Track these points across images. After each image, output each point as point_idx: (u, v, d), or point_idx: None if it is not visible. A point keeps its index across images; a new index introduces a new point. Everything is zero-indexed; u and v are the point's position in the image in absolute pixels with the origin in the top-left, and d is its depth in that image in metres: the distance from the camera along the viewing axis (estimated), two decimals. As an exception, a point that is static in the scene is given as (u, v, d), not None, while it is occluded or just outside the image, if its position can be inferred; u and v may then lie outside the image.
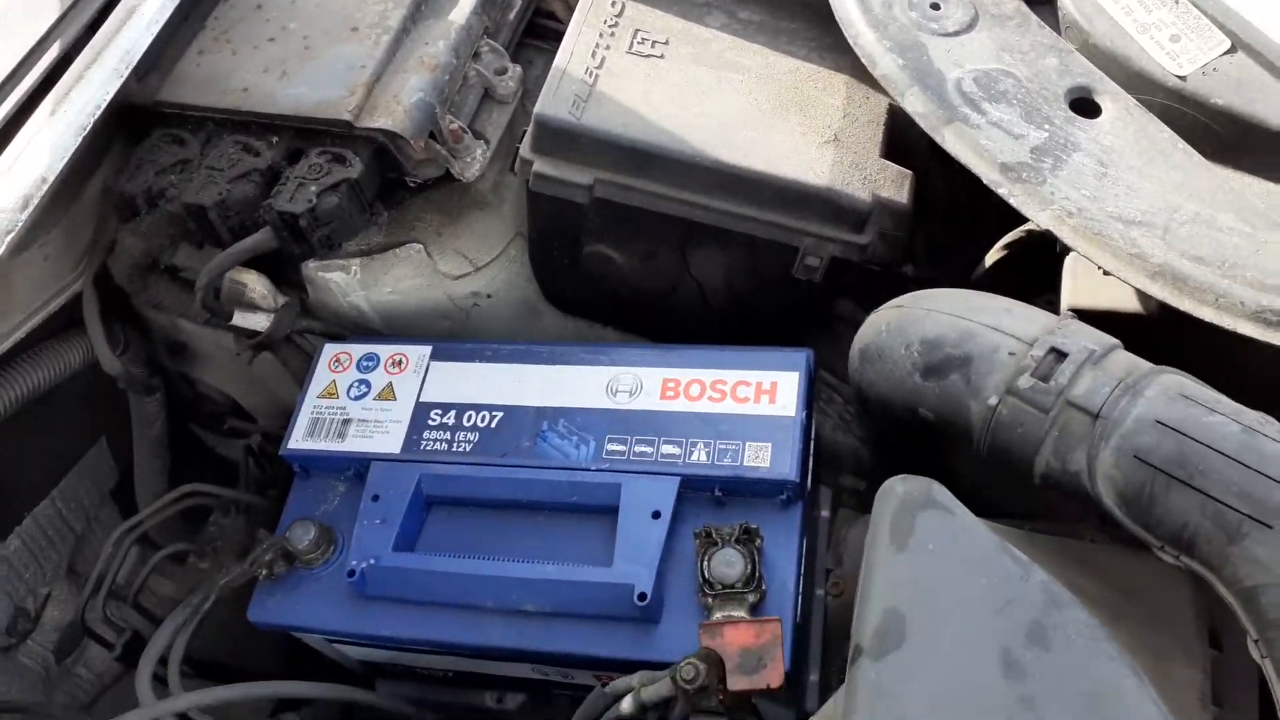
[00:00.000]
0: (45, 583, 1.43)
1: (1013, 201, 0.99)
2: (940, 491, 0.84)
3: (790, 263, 1.20)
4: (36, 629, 1.44)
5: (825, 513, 1.30)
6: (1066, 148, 1.01)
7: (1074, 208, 0.97)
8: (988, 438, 0.93)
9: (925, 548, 0.81)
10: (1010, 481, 1.00)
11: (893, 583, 0.79)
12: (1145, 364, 0.89)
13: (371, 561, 1.09)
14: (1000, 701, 0.74)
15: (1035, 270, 1.22)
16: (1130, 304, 1.11)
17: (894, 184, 1.16)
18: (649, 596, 1.02)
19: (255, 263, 1.25)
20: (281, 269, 1.30)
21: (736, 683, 0.96)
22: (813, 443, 1.19)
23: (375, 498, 1.14)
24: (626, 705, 0.97)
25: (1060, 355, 0.90)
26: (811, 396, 1.15)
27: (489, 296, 1.34)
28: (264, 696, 1.10)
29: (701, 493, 1.11)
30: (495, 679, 1.25)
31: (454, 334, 1.36)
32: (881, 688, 0.75)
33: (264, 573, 1.12)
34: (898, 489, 0.84)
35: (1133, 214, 0.96)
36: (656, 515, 1.08)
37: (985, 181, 1.01)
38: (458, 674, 1.25)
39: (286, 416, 1.23)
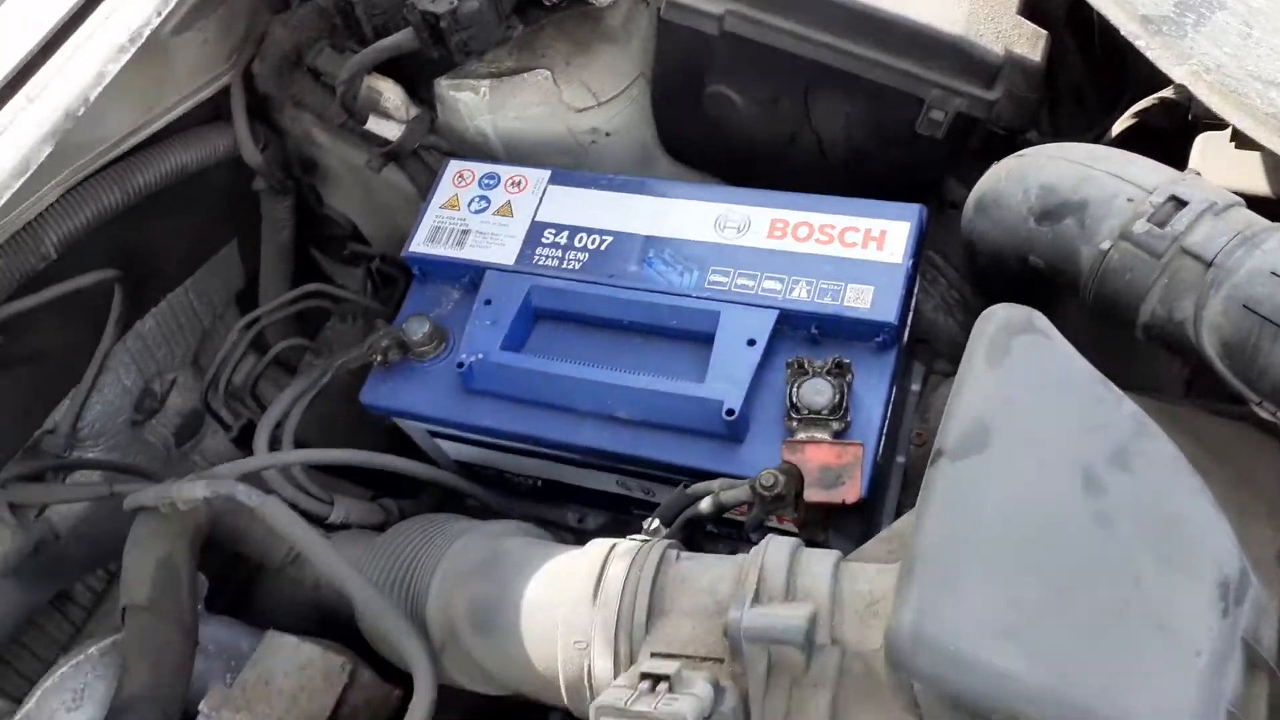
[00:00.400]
0: (173, 368, 1.53)
1: (1150, 55, 0.98)
2: (1040, 319, 0.85)
3: (914, 117, 1.20)
4: (161, 411, 1.55)
5: (916, 387, 1.32)
6: (1211, 5, 0.98)
7: (1212, 64, 0.95)
8: (1094, 284, 0.94)
9: (1020, 367, 0.82)
10: (1111, 340, 1.01)
11: (983, 394, 0.81)
12: (1265, 221, 0.89)
13: (480, 356, 1.16)
14: (1075, 512, 0.76)
15: (1163, 150, 1.20)
16: (1259, 187, 1.09)
17: (1028, 41, 1.15)
18: (737, 413, 1.06)
19: (392, 75, 1.31)
20: (414, 86, 1.35)
21: (813, 495, 1.00)
22: (913, 304, 1.21)
23: (488, 302, 1.20)
24: (705, 505, 1.02)
25: (1180, 203, 0.89)
26: (920, 250, 1.16)
27: (608, 134, 1.38)
28: (370, 465, 1.17)
29: (798, 330, 1.14)
30: (579, 494, 1.31)
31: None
32: (958, 486, 0.77)
33: (378, 359, 1.19)
34: (999, 313, 0.86)
35: (1274, 75, 0.94)
36: (751, 343, 1.12)
37: (1123, 33, 0.99)
38: (545, 484, 1.32)
39: (403, 244, 1.29)
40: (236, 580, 1.33)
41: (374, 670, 1.08)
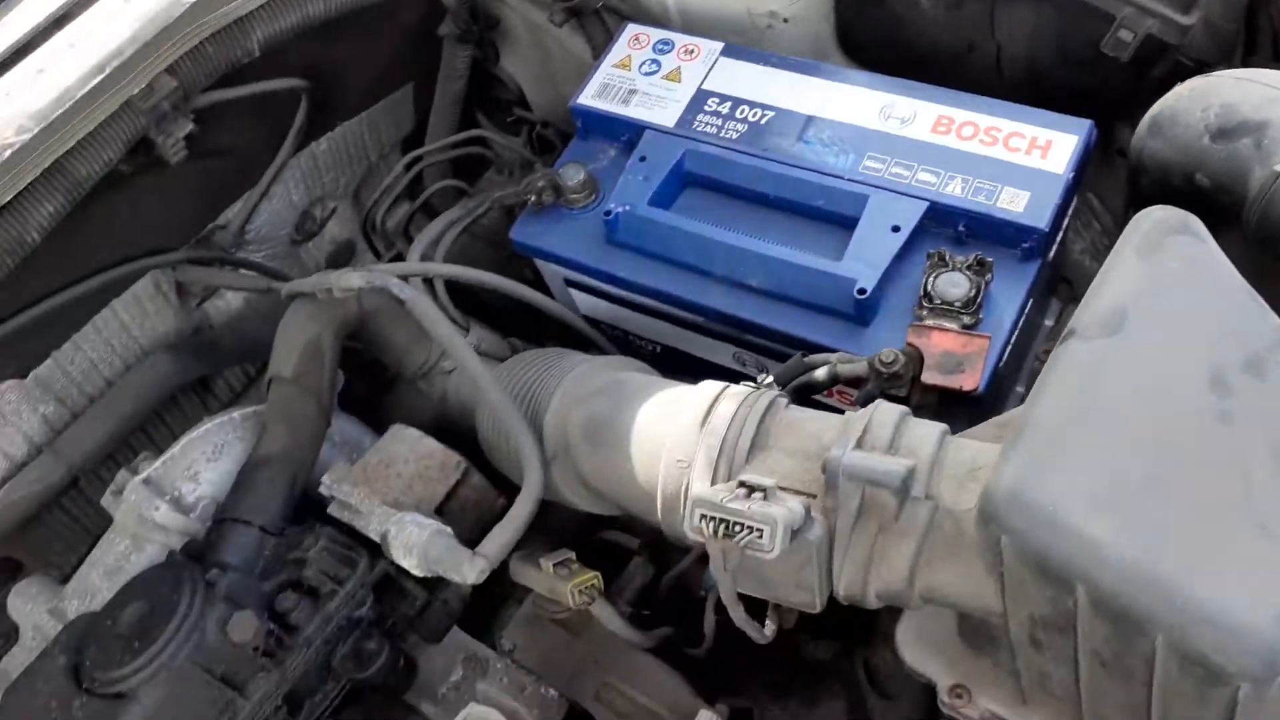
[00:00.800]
0: (335, 196, 1.62)
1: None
2: (1196, 223, 0.84)
3: (1101, 36, 1.17)
4: (318, 236, 1.64)
5: (1049, 322, 1.31)
6: None
7: None
8: (1260, 206, 0.91)
9: (1168, 263, 0.81)
10: (1268, 280, 0.98)
11: (1126, 282, 0.80)
12: None
13: (627, 208, 1.20)
14: (1198, 407, 0.75)
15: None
16: None
17: (1237, -33, 1.11)
18: (868, 293, 1.08)
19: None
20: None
21: (931, 377, 1.01)
22: (1065, 227, 1.19)
23: (643, 158, 1.24)
24: (821, 373, 1.03)
25: (1370, 131, 0.86)
26: (1083, 167, 1.14)
27: (785, 20, 1.38)
28: (511, 292, 1.23)
29: (945, 229, 1.14)
30: (694, 367, 1.34)
31: (743, 53, 1.42)
32: (1084, 364, 0.77)
33: (533, 198, 1.25)
34: (1156, 212, 0.84)
35: None
36: (896, 229, 1.12)
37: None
38: (664, 352, 1.35)
39: (566, 117, 1.33)
40: (368, 391, 1.42)
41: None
